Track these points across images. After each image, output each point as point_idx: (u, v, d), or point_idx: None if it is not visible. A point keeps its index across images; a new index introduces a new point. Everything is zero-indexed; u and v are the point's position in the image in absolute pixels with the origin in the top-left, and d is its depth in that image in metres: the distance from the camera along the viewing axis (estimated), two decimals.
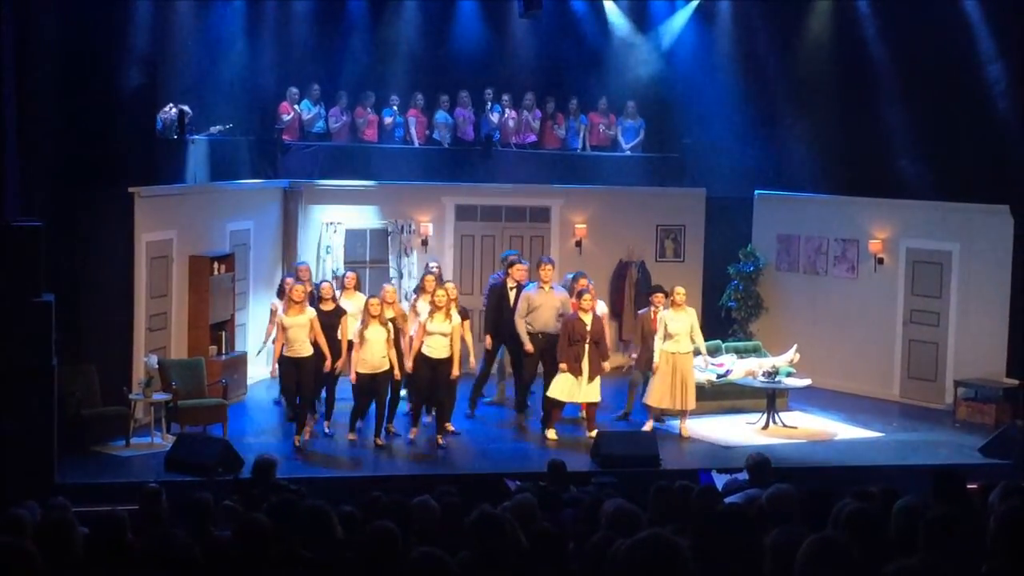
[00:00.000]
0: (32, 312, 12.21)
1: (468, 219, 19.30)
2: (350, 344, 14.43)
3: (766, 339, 18.16)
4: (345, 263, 18.31)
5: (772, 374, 15.85)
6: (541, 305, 15.24)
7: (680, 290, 15.25)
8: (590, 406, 14.87)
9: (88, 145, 14.25)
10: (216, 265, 16.22)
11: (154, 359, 14.75)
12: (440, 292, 14.29)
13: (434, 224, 18.95)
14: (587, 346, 14.60)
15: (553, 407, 14.88)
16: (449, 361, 14.26)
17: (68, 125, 14.05)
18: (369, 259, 18.66)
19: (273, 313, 15.28)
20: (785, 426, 15.57)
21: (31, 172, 13.48)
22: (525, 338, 15.25)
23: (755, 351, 17.16)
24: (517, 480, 11.79)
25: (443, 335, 14.18)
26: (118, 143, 14.61)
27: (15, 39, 13.03)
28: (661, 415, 15.45)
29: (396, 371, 14.21)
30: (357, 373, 14.08)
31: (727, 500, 8.53)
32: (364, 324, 14.04)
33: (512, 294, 15.73)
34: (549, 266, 15.53)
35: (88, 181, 14.27)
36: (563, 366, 14.64)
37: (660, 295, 15.52)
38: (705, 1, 19.58)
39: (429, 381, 14.30)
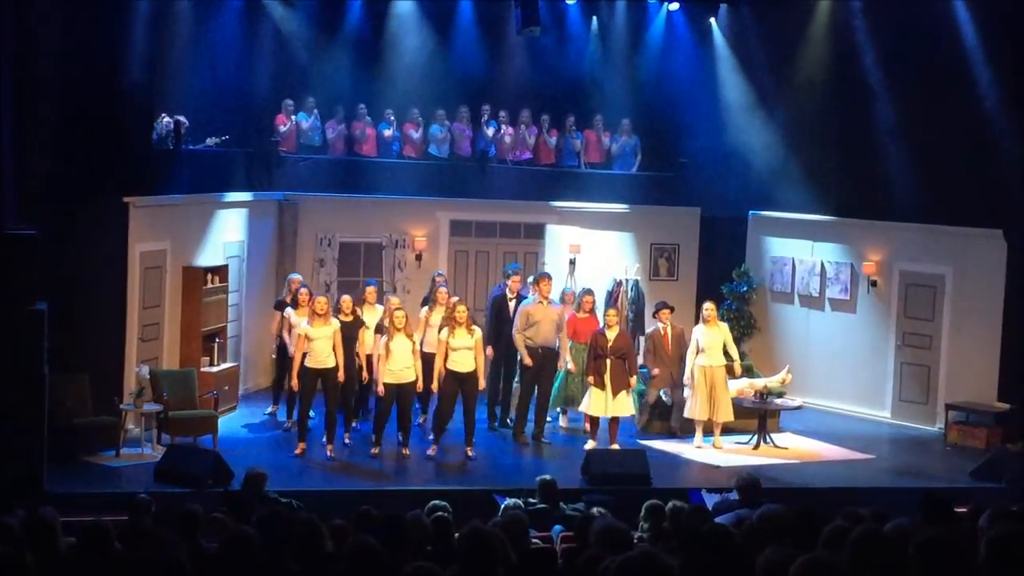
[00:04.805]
0: (25, 320, 12.20)
1: (463, 234, 19.31)
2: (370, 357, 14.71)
3: (758, 359, 18.16)
4: (338, 276, 18.36)
5: (764, 394, 15.85)
6: (540, 320, 15.25)
7: (710, 306, 15.52)
8: (614, 420, 14.90)
9: (84, 155, 14.23)
10: (209, 276, 16.21)
11: (146, 369, 14.71)
12: (461, 307, 14.44)
13: (429, 239, 18.96)
14: (609, 361, 14.68)
15: (589, 422, 15.06)
16: (475, 374, 14.39)
17: (64, 134, 14.03)
18: (363, 273, 18.66)
19: (280, 322, 15.70)
20: (776, 447, 15.58)
21: (27, 181, 13.47)
22: (524, 352, 15.28)
23: (747, 371, 17.15)
24: (507, 496, 11.77)
25: (468, 349, 14.31)
26: (114, 153, 14.57)
27: (14, 48, 13.04)
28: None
29: (419, 382, 14.45)
30: (384, 384, 14.17)
31: (717, 519, 8.52)
32: (389, 336, 14.19)
33: (512, 305, 15.77)
34: (548, 280, 15.59)
35: (83, 191, 14.24)
36: (590, 379, 14.81)
37: (666, 311, 15.71)
38: (701, 20, 19.69)
39: (455, 395, 14.37)
